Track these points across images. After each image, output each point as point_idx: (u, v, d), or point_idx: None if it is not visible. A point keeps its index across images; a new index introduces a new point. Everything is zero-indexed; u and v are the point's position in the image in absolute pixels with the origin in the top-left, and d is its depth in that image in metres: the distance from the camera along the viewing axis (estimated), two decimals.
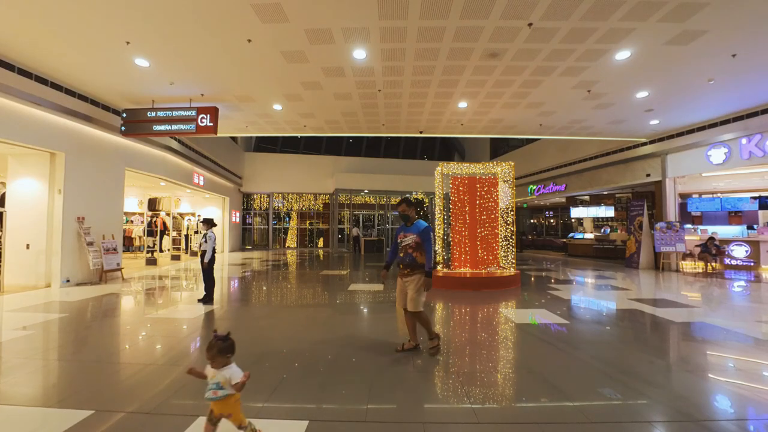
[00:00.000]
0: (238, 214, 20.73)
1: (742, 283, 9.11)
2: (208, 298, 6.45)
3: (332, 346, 4.24)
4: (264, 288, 8.64)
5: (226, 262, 14.27)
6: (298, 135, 12.43)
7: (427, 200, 22.04)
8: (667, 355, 4.17)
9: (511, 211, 9.28)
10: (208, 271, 6.48)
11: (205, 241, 6.41)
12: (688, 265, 11.64)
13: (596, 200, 18.86)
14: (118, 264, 9.18)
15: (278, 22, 5.37)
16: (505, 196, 9.39)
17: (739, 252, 11.33)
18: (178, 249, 15.65)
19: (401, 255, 4.01)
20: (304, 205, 22.92)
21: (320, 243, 23.12)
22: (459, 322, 5.57)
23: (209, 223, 6.63)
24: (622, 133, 11.49)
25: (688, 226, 12.70)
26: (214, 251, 6.48)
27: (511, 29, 5.58)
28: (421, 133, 11.49)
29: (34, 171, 8.03)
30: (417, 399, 2.94)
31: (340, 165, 22.18)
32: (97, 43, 5.98)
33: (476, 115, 9.76)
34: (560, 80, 7.40)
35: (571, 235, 18.72)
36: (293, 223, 23.03)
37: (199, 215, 17.15)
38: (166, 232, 15.85)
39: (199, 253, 6.64)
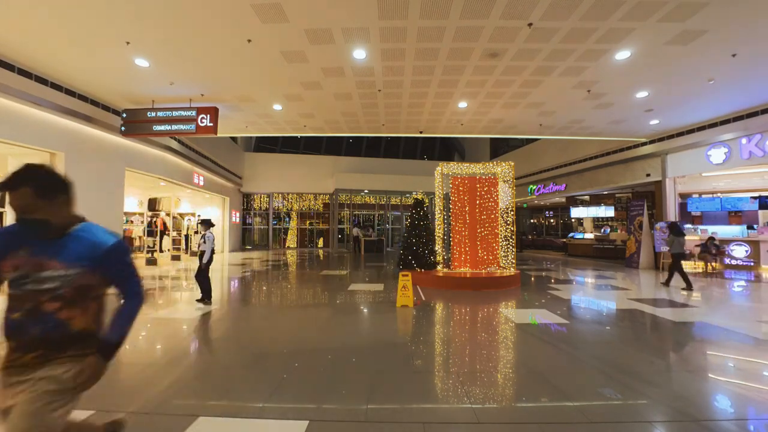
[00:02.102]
0: (238, 214, 20.73)
1: (742, 282, 9.11)
2: (206, 298, 6.46)
3: (332, 346, 4.24)
4: (264, 288, 8.63)
5: (226, 262, 14.27)
6: (298, 135, 12.43)
7: (427, 200, 22.10)
8: (667, 355, 4.17)
9: (511, 211, 9.27)
10: (204, 271, 6.50)
11: (204, 242, 6.42)
12: (688, 265, 11.62)
13: (596, 200, 18.85)
14: None
15: (278, 22, 5.37)
16: (505, 196, 9.38)
17: (739, 252, 11.32)
18: (178, 249, 15.65)
19: (16, 317, 1.44)
20: (304, 205, 22.92)
21: (320, 243, 23.12)
22: (459, 322, 5.57)
23: (207, 223, 6.64)
24: (622, 133, 11.48)
25: (688, 226, 12.67)
26: (212, 252, 6.49)
27: (511, 29, 5.58)
28: (421, 133, 11.49)
29: None
30: (417, 399, 2.94)
31: (340, 165, 22.17)
32: (97, 43, 5.98)
33: (476, 115, 9.76)
34: (560, 80, 7.40)
35: (571, 235, 18.71)
36: (293, 223, 23.03)
37: (199, 215, 17.14)
38: (166, 233, 15.84)
39: (198, 254, 6.65)
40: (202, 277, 6.47)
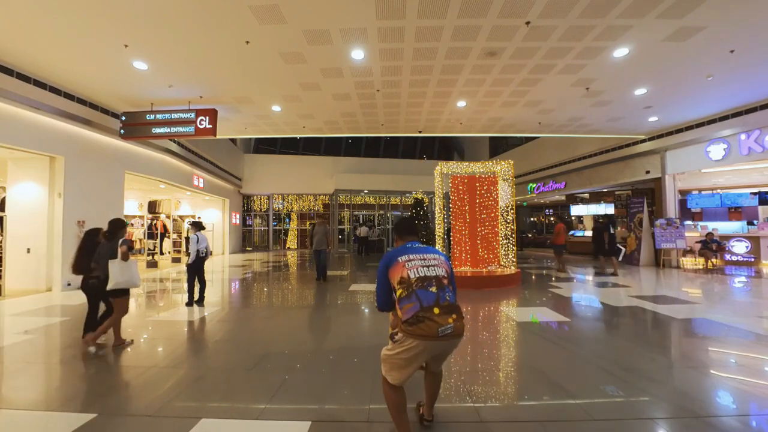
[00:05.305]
0: (238, 216, 20.73)
1: (743, 278, 9.11)
2: (200, 300, 6.54)
3: (334, 346, 4.24)
4: (265, 289, 8.64)
5: (226, 263, 14.26)
6: (297, 136, 12.43)
7: (426, 199, 22.07)
8: (669, 351, 4.17)
9: (511, 209, 9.28)
10: (189, 272, 6.52)
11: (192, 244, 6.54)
12: (688, 262, 11.63)
13: (596, 198, 18.84)
14: None
15: (276, 24, 5.37)
16: (505, 195, 9.39)
17: (740, 248, 11.33)
18: (179, 251, 15.66)
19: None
20: (304, 206, 22.92)
21: None
22: None
23: (196, 226, 6.76)
24: (621, 130, 11.49)
25: (689, 222, 12.69)
26: (198, 253, 6.52)
27: (508, 28, 5.58)
28: (420, 132, 11.49)
29: (33, 175, 8.03)
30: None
31: (340, 165, 22.17)
32: (95, 46, 5.98)
33: (475, 114, 9.75)
34: (558, 78, 7.40)
35: (571, 233, 18.69)
36: (293, 224, 23.04)
37: (199, 217, 17.15)
38: (167, 235, 15.85)
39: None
40: (190, 278, 6.52)
